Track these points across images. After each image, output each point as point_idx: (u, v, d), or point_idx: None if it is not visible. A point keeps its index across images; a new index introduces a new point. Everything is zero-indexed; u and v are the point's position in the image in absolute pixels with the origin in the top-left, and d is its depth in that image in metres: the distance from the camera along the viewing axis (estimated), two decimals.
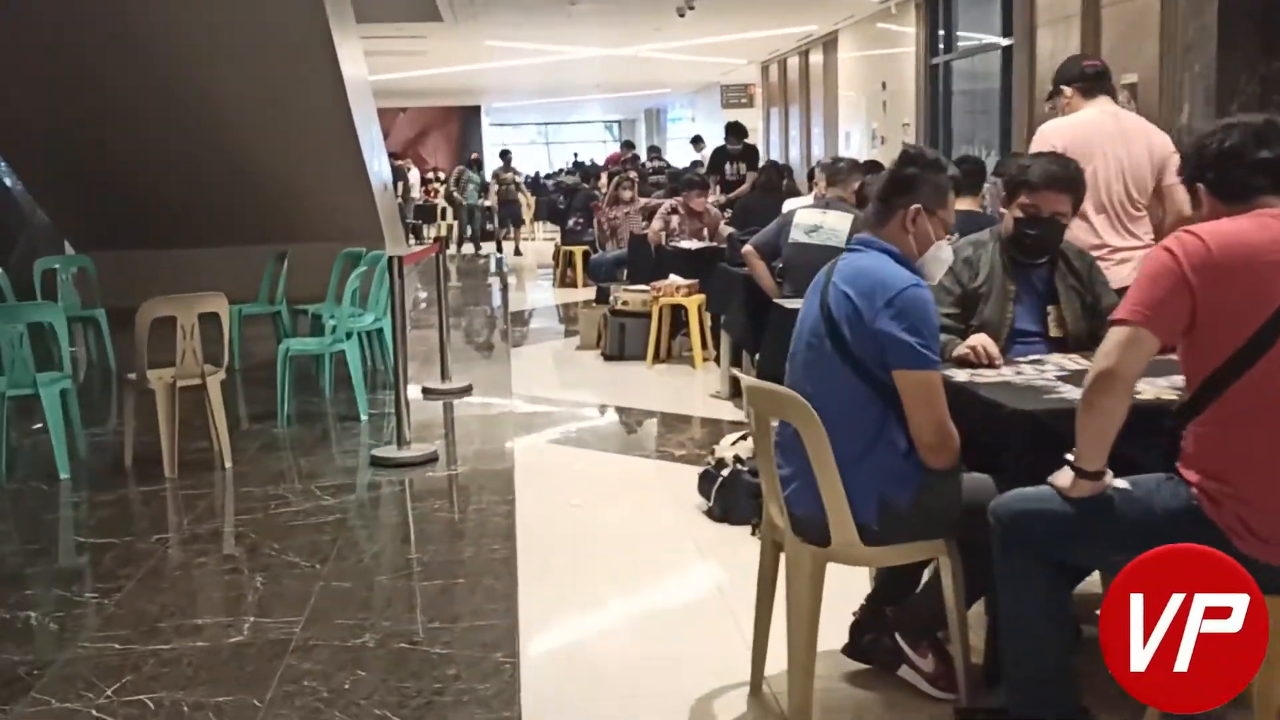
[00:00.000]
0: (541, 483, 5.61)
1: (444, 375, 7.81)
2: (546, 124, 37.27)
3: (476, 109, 31.51)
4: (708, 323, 8.52)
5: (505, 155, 18.32)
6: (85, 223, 12.33)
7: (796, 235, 6.20)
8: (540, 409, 7.23)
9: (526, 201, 17.90)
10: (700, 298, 8.33)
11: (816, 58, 19.58)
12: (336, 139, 11.48)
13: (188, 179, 11.66)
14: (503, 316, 11.77)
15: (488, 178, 19.32)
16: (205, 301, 5.89)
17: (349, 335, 7.05)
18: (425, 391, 7.73)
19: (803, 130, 20.36)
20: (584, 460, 6.09)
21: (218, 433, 5.98)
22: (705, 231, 9.10)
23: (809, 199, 7.40)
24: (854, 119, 17.67)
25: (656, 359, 8.40)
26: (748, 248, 6.37)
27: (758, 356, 6.34)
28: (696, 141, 18.74)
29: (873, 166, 6.93)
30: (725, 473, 4.85)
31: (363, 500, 5.51)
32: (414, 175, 22.46)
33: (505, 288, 14.74)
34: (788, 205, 7.36)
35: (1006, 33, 12.48)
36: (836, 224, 6.12)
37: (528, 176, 26.36)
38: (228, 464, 5.99)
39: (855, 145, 17.53)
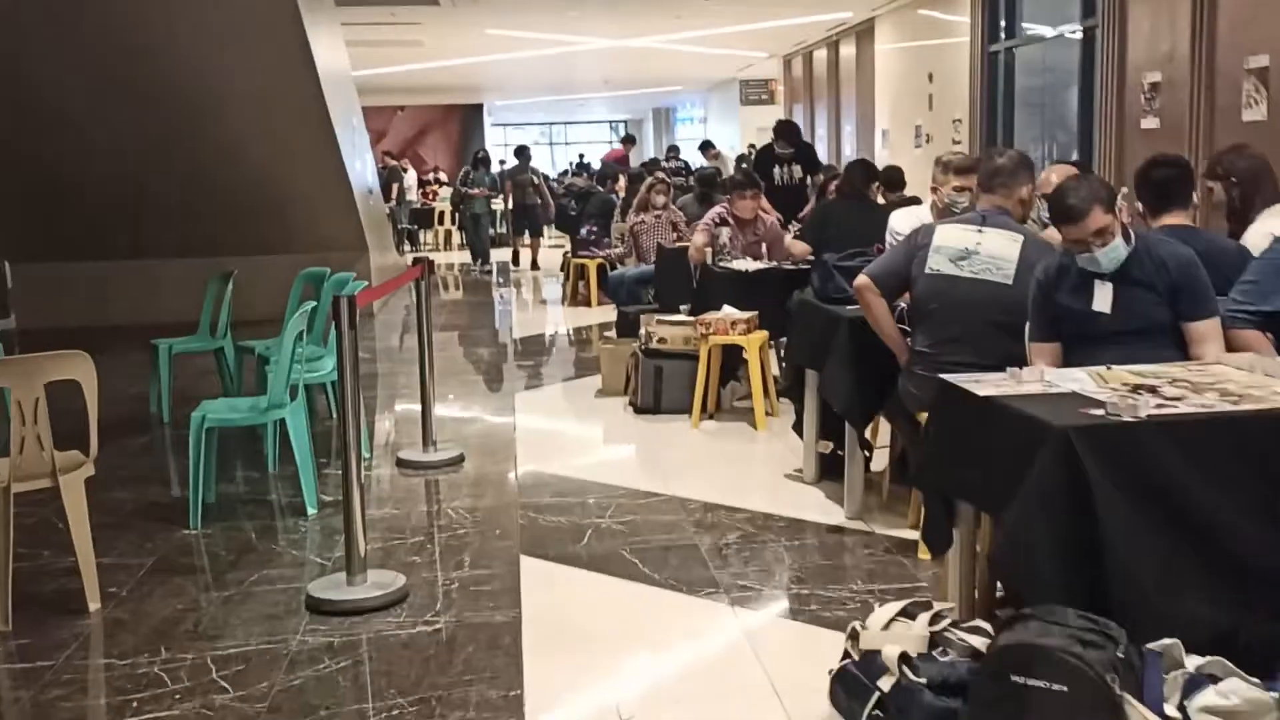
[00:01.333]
0: (563, 652, 3.52)
1: (427, 440, 5.73)
2: (550, 124, 35.14)
3: (479, 108, 29.36)
4: (770, 367, 6.42)
5: (522, 152, 15.18)
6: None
7: (938, 264, 4.10)
8: (555, 499, 5.09)
9: (546, 205, 14.72)
10: (762, 336, 6.24)
11: (848, 49, 17.49)
12: (311, 137, 9.43)
13: (131, 181, 9.56)
14: (506, 345, 9.65)
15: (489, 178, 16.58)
16: (56, 366, 3.80)
17: (295, 396, 4.97)
18: (401, 464, 5.65)
19: (831, 128, 18.27)
20: (625, 604, 3.97)
21: (80, 559, 3.89)
22: (764, 247, 7.01)
23: (925, 209, 5.30)
24: (893, 115, 15.60)
25: (704, 413, 6.33)
26: (863, 280, 4.26)
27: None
28: (706, 148, 16.57)
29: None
30: (886, 684, 2.76)
31: (286, 692, 3.39)
32: (410, 177, 20.36)
33: (508, 308, 12.60)
34: (903, 218, 5.26)
35: (1087, 13, 10.46)
36: (999, 249, 4.03)
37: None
38: (93, 604, 3.91)
39: (894, 144, 15.49)
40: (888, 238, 5.30)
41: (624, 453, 5.88)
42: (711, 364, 6.29)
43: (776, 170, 9.30)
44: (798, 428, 5.25)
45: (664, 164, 14.29)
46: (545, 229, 15.69)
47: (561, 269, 13.51)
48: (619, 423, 6.52)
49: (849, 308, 4.60)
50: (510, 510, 4.93)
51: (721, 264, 6.73)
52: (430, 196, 20.41)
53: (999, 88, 12.78)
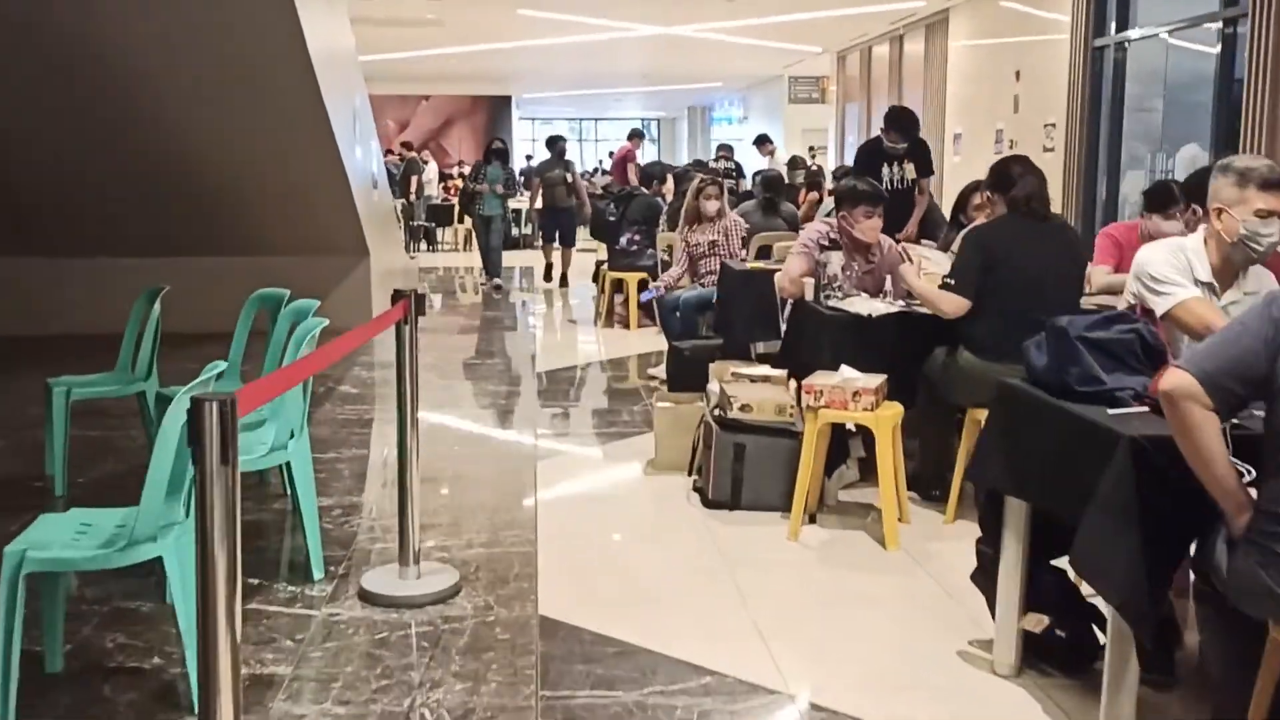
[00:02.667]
0: None
1: (405, 557, 3.75)
2: (581, 119, 33.11)
3: (507, 100, 27.36)
4: (899, 457, 4.41)
5: (555, 144, 11.96)
6: None
7: None
8: (594, 695, 3.10)
9: (582, 206, 11.71)
10: (894, 413, 4.24)
11: (914, 45, 15.44)
12: (299, 120, 7.52)
13: (68, 168, 7.64)
14: (525, 382, 7.65)
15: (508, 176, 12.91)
16: None
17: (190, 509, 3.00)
18: (366, 598, 3.67)
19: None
20: None
21: None
22: (888, 282, 4.99)
23: (1194, 242, 3.27)
24: (967, 118, 13.57)
25: (806, 515, 4.34)
26: (1183, 381, 2.25)
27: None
28: (762, 142, 14.49)
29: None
30: None
31: None
32: (431, 169, 18.39)
33: (529, 329, 10.34)
34: (1162, 256, 3.21)
35: (1230, 1, 8.56)
36: None
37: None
38: None
39: (968, 149, 13.47)
40: (1131, 288, 3.29)
41: (695, 587, 3.86)
42: (818, 447, 4.30)
43: (885, 170, 7.18)
44: (981, 582, 3.24)
45: (712, 165, 12.17)
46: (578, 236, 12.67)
47: (595, 280, 11.50)
48: (684, 524, 4.50)
49: (1119, 412, 2.60)
50: (525, 716, 2.93)
51: (832, 303, 4.71)
52: (452, 192, 18.41)
53: (1104, 87, 10.76)
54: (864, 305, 4.60)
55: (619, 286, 9.58)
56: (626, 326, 9.27)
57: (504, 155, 12.28)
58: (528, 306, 11.22)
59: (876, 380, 4.19)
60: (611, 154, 26.48)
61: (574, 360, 8.18)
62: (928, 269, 4.49)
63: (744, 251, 7.18)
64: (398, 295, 3.68)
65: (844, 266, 4.75)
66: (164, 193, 7.98)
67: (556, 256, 12.17)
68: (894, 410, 4.22)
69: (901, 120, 7.30)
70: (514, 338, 9.33)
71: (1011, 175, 4.43)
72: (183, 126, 7.49)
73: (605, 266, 9.65)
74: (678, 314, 7.07)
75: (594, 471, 5.35)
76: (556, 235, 11.98)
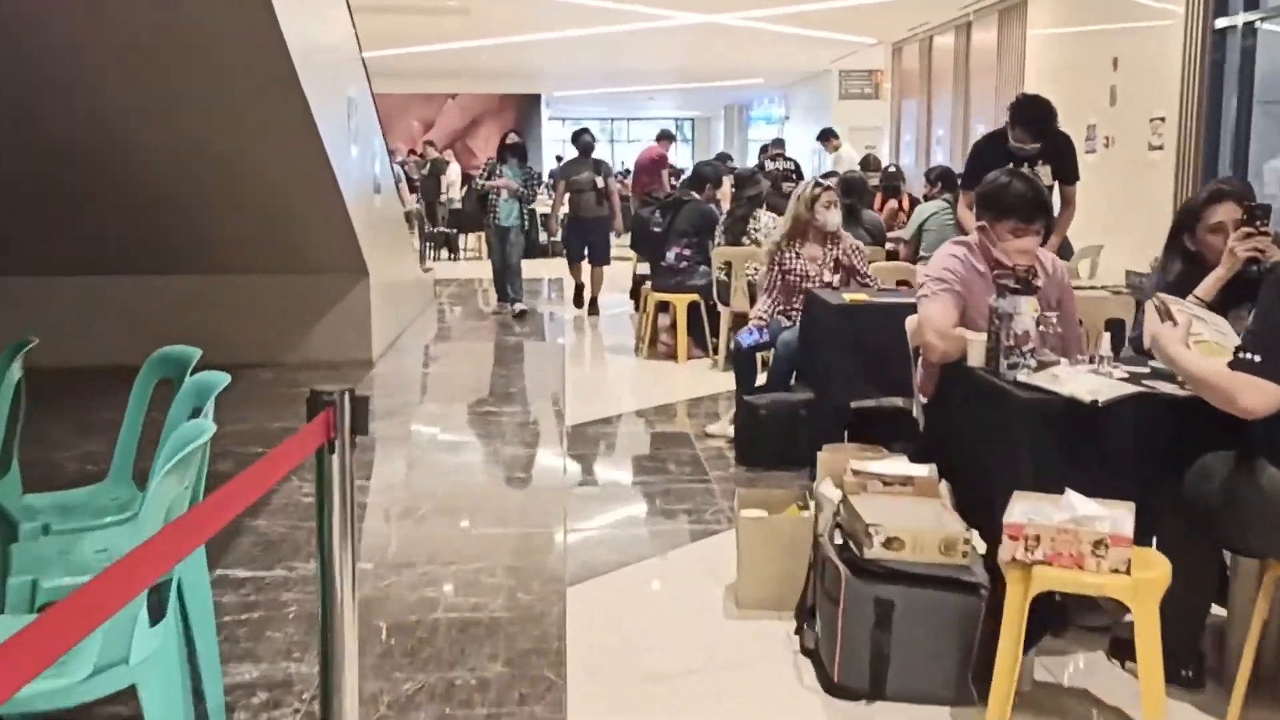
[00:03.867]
0: None
1: None
2: (612, 119, 31.36)
3: (536, 99, 25.65)
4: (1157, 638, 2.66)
5: (581, 138, 9.77)
6: None
7: None
8: None
9: (614, 215, 9.62)
10: (1162, 573, 2.52)
11: (985, 34, 13.65)
12: (274, 115, 5.85)
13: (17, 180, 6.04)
14: (545, 441, 5.93)
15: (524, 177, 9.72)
16: None
17: None
18: None
19: (955, 129, 14.42)
20: None
21: None
22: (1068, 325, 3.26)
23: None
24: (1059, 111, 11.73)
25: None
26: None
27: None
28: (827, 137, 12.71)
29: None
30: None
31: None
32: (454, 170, 16.71)
33: (554, 361, 8.06)
34: None
35: None
36: None
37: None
38: None
39: None
40: None
41: None
42: (1012, 619, 2.58)
43: None
44: None
45: (766, 164, 10.28)
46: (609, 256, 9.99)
47: (632, 297, 9.76)
48: None
49: None
50: None
51: (1023, 377, 2.96)
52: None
53: (1226, 76, 8.99)
54: (1079, 381, 2.86)
55: (663, 308, 7.90)
56: (673, 358, 7.57)
57: (521, 152, 9.71)
58: (555, 331, 9.42)
59: (1125, 519, 2.47)
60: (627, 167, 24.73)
61: (612, 407, 6.43)
62: (1200, 335, 2.75)
63: (874, 280, 5.48)
64: (317, 403, 1.97)
65: (1040, 321, 3.00)
66: (99, 196, 6.35)
67: (589, 275, 9.90)
68: (1159, 571, 2.50)
69: (1032, 112, 5.50)
70: (537, 374, 7.54)
71: None
72: (118, 111, 5.83)
73: (648, 286, 7.95)
74: (758, 355, 5.37)
75: (648, 608, 3.62)
76: (586, 251, 9.69)
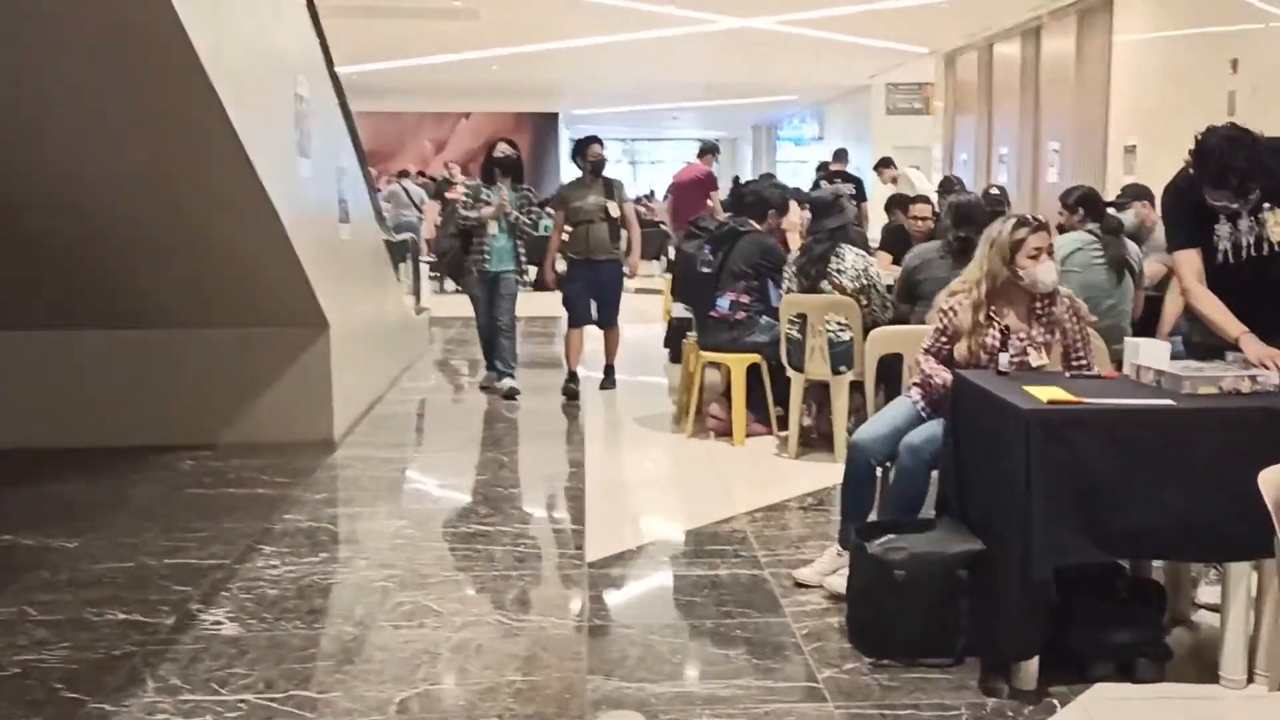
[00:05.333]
0: None
1: None
2: (634, 140, 29.46)
3: (553, 118, 23.85)
4: None
5: (587, 149, 6.89)
6: None
7: None
8: None
9: (635, 251, 7.00)
10: None
11: (1058, 41, 11.76)
12: (183, 124, 3.97)
13: None
14: (556, 585, 4.02)
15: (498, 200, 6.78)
16: None
17: None
18: None
19: (1023, 146, 12.51)
20: None
21: None
22: None
23: None
24: (1147, 124, 9.87)
25: None
26: None
27: None
28: (885, 165, 10.70)
29: None
30: None
31: None
32: (457, 194, 14.85)
33: (567, 451, 5.75)
34: None
35: None
36: None
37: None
38: None
39: (1145, 165, 9.83)
40: None
41: None
42: None
43: (1224, 227, 3.35)
44: None
45: (825, 184, 8.26)
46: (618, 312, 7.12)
47: (667, 345, 7.82)
48: None
49: None
50: None
51: None
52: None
53: None
54: None
55: (711, 374, 6.01)
56: (727, 436, 5.66)
57: (516, 168, 6.77)
58: (566, 401, 6.83)
59: None
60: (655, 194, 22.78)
61: (649, 526, 4.50)
62: None
63: (1078, 360, 3.52)
64: None
65: None
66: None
67: (603, 341, 7.08)
68: None
69: (1232, 158, 3.37)
70: (540, 474, 5.39)
71: None
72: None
73: (692, 339, 6.05)
74: (894, 461, 3.48)
75: None
76: (593, 310, 6.88)
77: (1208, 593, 3.43)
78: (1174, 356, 3.27)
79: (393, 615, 3.46)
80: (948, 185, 7.84)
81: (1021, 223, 3.42)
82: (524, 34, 13.23)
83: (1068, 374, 3.39)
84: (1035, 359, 3.40)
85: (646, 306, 10.35)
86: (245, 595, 3.59)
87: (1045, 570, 2.81)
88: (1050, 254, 3.44)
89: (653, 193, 21.90)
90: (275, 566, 3.87)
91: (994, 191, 7.37)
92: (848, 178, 8.67)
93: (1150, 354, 3.20)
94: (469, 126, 22.89)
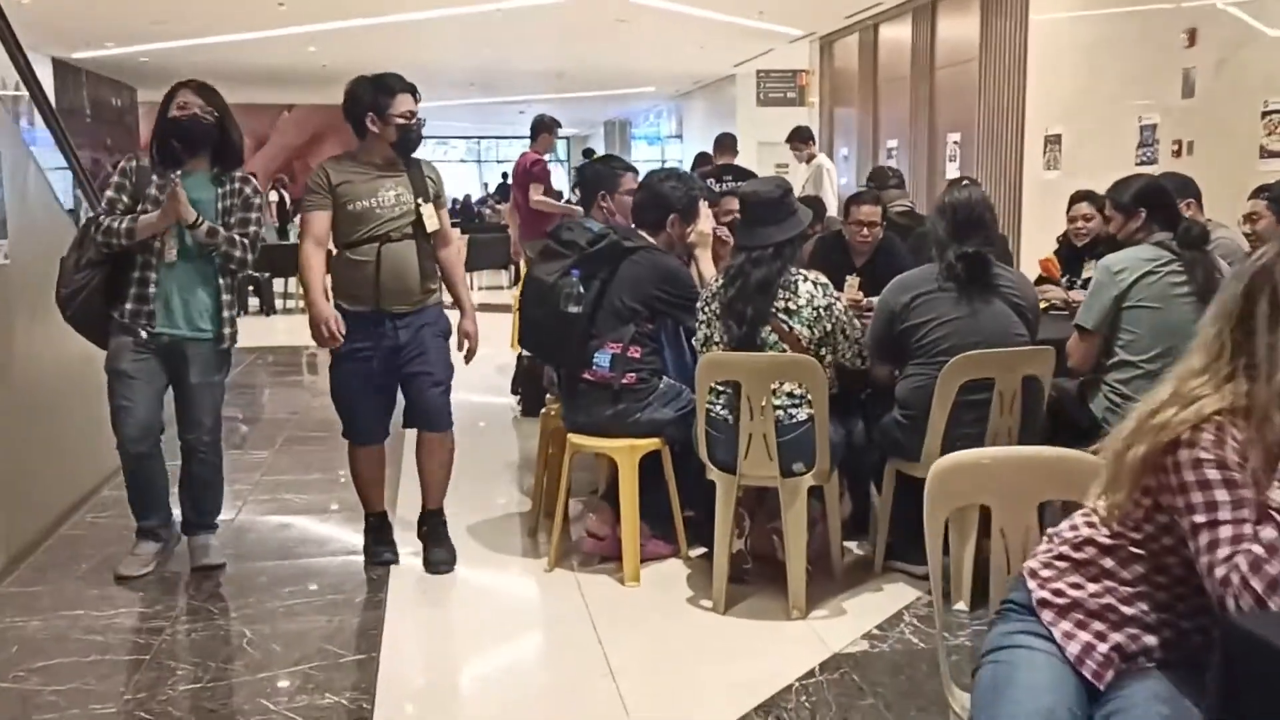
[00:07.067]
0: None
1: None
2: (480, 138, 27.00)
3: None
4: None
5: (386, 103, 3.46)
6: None
7: None
8: None
9: (462, 292, 3.79)
10: None
11: (959, 20, 10.11)
12: None
13: None
14: None
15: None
16: None
17: None
18: None
19: (916, 138, 10.81)
20: None
21: None
22: None
23: None
24: (1071, 111, 8.30)
25: None
26: None
27: None
28: (801, 140, 8.42)
29: None
30: None
31: None
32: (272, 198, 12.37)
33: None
34: None
35: None
36: None
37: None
38: None
39: (1074, 159, 8.29)
40: None
41: None
42: None
43: None
44: None
45: (708, 182, 6.03)
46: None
47: (516, 385, 5.59)
48: None
49: None
50: None
51: None
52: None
53: None
54: None
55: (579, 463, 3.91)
56: (612, 561, 3.57)
57: (214, 139, 3.52)
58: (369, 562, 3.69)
59: None
60: (505, 176, 20.38)
61: None
62: None
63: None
64: None
65: None
66: None
67: (419, 462, 3.75)
68: None
69: None
70: (338, 640, 3.26)
71: None
72: None
73: (553, 412, 3.93)
74: None
75: None
76: (390, 407, 3.72)
77: None
78: None
79: None
80: (880, 177, 5.82)
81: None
82: (340, 6, 10.87)
83: None
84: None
85: (488, 330, 7.61)
86: None
87: None
88: None
89: (499, 190, 19.71)
90: None
91: (889, 171, 5.53)
92: (740, 173, 6.57)
93: None
94: (292, 120, 20.17)
